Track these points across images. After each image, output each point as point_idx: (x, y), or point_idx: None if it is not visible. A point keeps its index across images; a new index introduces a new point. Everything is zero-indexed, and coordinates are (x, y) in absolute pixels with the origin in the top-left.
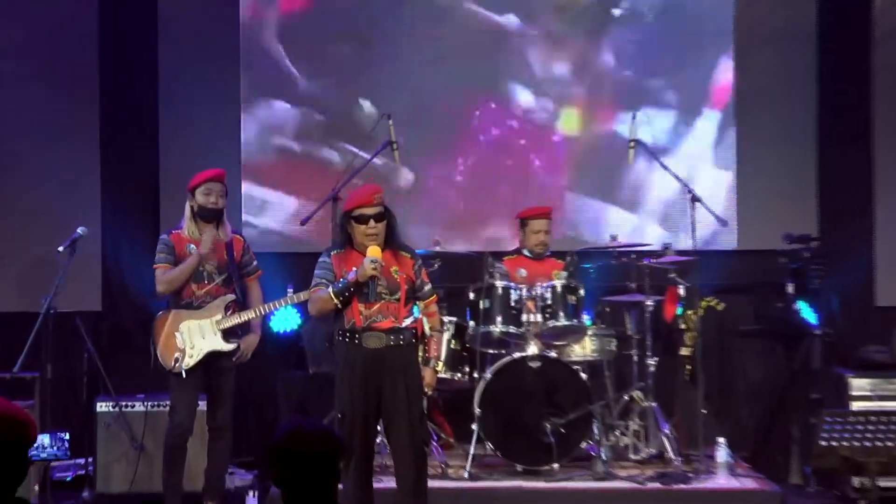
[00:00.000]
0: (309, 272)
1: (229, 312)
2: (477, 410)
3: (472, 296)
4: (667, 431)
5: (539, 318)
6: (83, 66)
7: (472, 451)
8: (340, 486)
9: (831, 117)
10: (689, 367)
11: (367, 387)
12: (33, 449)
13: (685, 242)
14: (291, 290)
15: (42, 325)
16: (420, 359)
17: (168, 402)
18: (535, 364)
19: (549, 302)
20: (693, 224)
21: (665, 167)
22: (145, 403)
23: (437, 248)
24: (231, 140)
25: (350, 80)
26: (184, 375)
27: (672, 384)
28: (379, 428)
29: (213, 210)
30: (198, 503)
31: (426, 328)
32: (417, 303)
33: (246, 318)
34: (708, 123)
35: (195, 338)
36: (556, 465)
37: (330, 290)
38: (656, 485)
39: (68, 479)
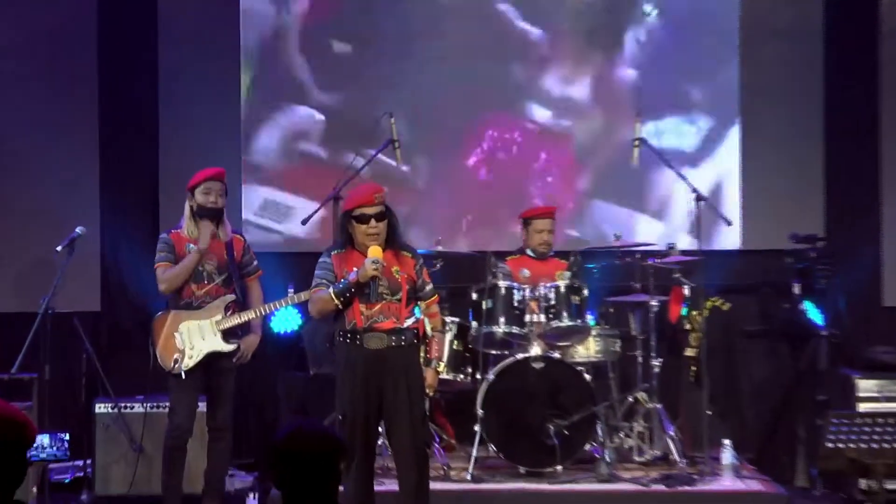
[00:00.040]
0: (310, 272)
1: (229, 313)
2: (479, 412)
3: (474, 296)
4: (671, 433)
5: (542, 318)
6: (82, 65)
7: (474, 452)
8: (341, 487)
9: (838, 114)
10: (693, 368)
11: (368, 388)
12: (32, 449)
13: (690, 242)
14: (292, 291)
15: (40, 325)
16: (422, 359)
17: (167, 404)
18: (538, 365)
19: (553, 302)
20: (698, 223)
21: (670, 166)
22: (144, 405)
23: (439, 248)
24: (231, 139)
25: (352, 78)
26: (183, 376)
27: (677, 385)
28: (380, 429)
29: (213, 209)
30: None
31: (428, 329)
32: (419, 303)
33: (246, 319)
34: (713, 121)
35: (195, 338)
36: (559, 467)
37: (331, 290)
38: (661, 487)
39: (67, 480)
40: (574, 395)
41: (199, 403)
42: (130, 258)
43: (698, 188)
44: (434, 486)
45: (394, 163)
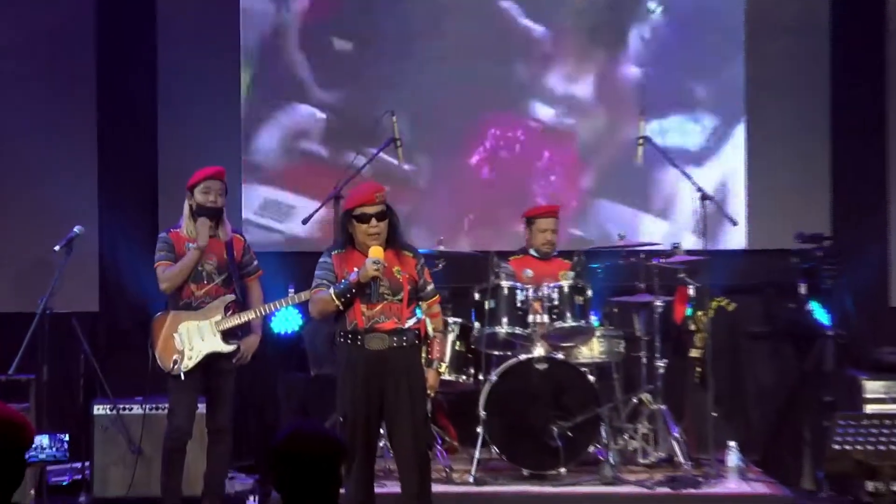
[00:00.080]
0: (310, 272)
1: (229, 313)
2: (482, 413)
3: (477, 296)
4: (676, 435)
5: (546, 319)
6: (81, 65)
7: (477, 454)
8: (342, 490)
9: (844, 112)
10: (699, 369)
11: (369, 389)
12: (32, 450)
13: (695, 242)
14: (293, 291)
15: (38, 325)
16: (423, 360)
17: (166, 405)
18: (541, 366)
19: (556, 302)
20: (703, 223)
21: (674, 165)
22: (143, 406)
23: (441, 248)
24: (230, 138)
25: (353, 77)
26: (182, 377)
27: (682, 386)
28: (382, 431)
29: (213, 209)
30: None
31: (429, 329)
32: (420, 303)
33: (246, 319)
34: (718, 119)
35: (194, 339)
36: (563, 470)
37: (331, 291)
38: (665, 489)
39: (65, 483)
40: (578, 396)
41: (199, 405)
42: (129, 258)
43: (703, 187)
44: (436, 488)
45: (395, 161)
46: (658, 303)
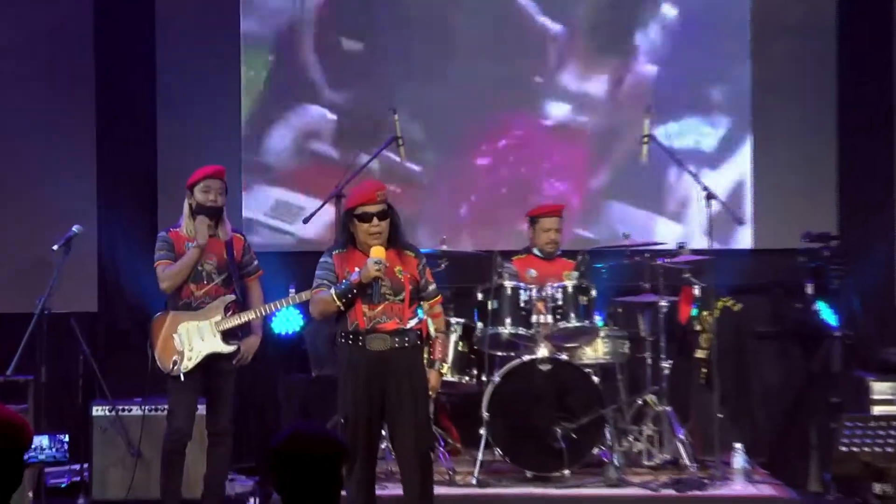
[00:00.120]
0: (311, 272)
1: (229, 313)
2: (485, 415)
3: (480, 296)
4: (681, 436)
5: (549, 319)
6: (80, 65)
7: (480, 456)
8: (343, 492)
9: (851, 111)
10: (704, 369)
11: (370, 390)
12: (31, 451)
13: (700, 241)
14: (293, 291)
15: (36, 326)
16: (425, 361)
17: (166, 406)
18: (545, 367)
19: (560, 303)
20: (709, 222)
21: (680, 164)
22: (142, 407)
23: (444, 247)
24: (230, 138)
25: (363, 76)
26: (182, 378)
27: (687, 387)
28: (384, 433)
29: (213, 208)
30: None
31: (431, 330)
32: (422, 303)
33: (246, 320)
34: (724, 118)
35: (194, 340)
36: (566, 472)
37: (332, 291)
38: (671, 491)
39: (63, 485)
40: (582, 397)
41: (199, 406)
42: (128, 258)
43: (711, 188)
44: (438, 490)
45: (399, 159)
46: (663, 303)
